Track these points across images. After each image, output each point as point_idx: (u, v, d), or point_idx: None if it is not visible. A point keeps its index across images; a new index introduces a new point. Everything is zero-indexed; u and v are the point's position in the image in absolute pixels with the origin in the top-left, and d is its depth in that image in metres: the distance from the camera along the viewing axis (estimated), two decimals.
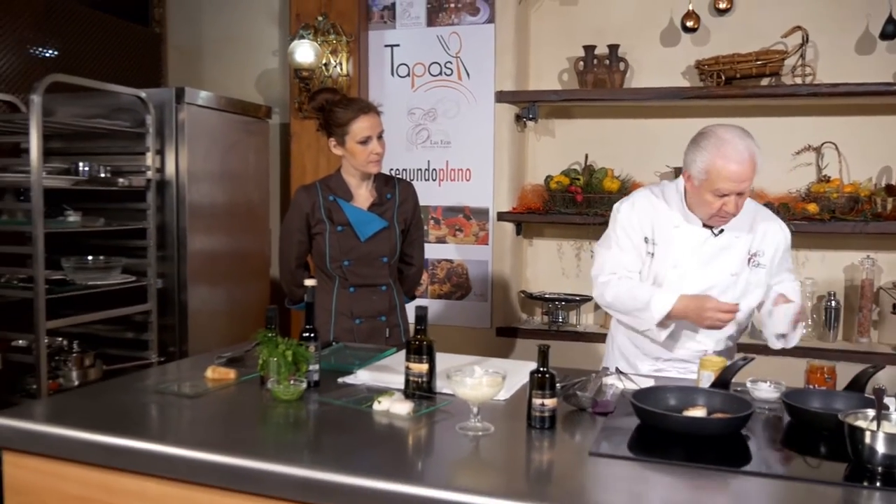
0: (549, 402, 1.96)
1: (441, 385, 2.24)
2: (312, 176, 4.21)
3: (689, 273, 2.50)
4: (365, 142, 2.80)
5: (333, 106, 2.83)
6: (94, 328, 3.66)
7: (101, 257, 3.50)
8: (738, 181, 2.33)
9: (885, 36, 3.64)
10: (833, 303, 3.80)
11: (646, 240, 2.56)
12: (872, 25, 3.73)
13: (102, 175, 3.44)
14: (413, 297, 3.21)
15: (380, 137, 2.83)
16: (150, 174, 3.60)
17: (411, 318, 3.12)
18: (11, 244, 3.59)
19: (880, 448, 1.64)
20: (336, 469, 1.67)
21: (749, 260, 2.53)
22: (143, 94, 3.56)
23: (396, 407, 2.06)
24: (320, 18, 4.12)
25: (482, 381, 1.94)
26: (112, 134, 3.63)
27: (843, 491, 1.62)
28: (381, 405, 2.08)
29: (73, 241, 3.61)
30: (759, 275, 2.53)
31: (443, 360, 2.30)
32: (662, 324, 2.51)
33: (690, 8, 3.89)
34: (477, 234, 4.17)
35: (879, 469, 1.64)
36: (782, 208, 3.68)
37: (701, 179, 2.39)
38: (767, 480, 1.67)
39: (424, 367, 2.22)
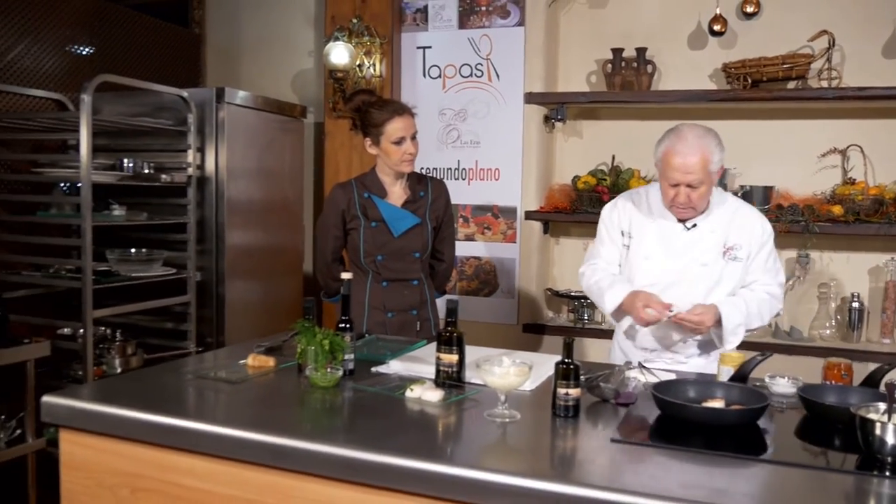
0: (574, 392, 2.06)
1: (470, 375, 2.35)
2: (346, 174, 4.34)
3: (659, 263, 2.67)
4: (399, 142, 2.91)
5: (369, 107, 2.95)
6: (135, 318, 3.81)
7: (144, 250, 3.65)
8: (684, 172, 2.50)
9: None
10: (857, 304, 3.84)
11: (622, 233, 2.78)
12: None
13: (146, 171, 3.59)
14: (443, 293, 3.32)
15: (413, 138, 2.94)
16: (190, 171, 3.74)
17: (441, 312, 3.25)
18: (59, 236, 3.76)
19: (890, 439, 1.72)
20: (374, 449, 1.77)
21: (725, 253, 2.65)
22: (185, 93, 3.71)
23: (428, 395, 2.17)
24: (355, 21, 4.24)
25: (510, 371, 2.04)
26: (155, 132, 3.78)
27: (854, 479, 1.71)
28: (414, 393, 2.19)
29: (117, 234, 3.77)
30: (734, 268, 2.65)
31: (471, 352, 2.41)
32: (617, 314, 2.72)
33: (718, 12, 3.95)
34: (505, 233, 4.27)
35: (889, 459, 1.72)
36: (807, 210, 3.74)
37: (658, 169, 2.62)
38: (782, 468, 1.76)
39: (454, 357, 2.32)
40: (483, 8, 4.22)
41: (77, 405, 2.10)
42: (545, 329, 4.19)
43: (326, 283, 3.17)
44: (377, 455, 1.76)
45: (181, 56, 4.80)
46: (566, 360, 2.06)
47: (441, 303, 2.96)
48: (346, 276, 2.50)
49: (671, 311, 2.56)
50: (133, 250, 3.63)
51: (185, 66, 4.82)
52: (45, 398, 2.13)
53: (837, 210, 3.73)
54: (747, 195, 3.86)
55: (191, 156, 3.74)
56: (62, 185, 3.75)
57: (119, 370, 3.56)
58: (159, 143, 3.85)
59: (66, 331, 3.72)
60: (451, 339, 2.33)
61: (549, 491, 1.61)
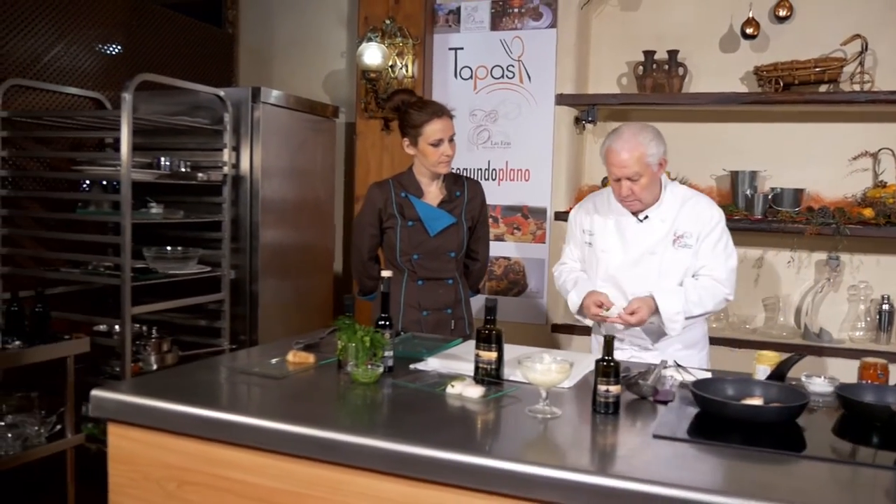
0: (614, 389, 2.08)
1: (508, 373, 2.38)
2: (376, 174, 4.39)
3: (615, 255, 2.85)
4: (437, 144, 2.95)
5: (409, 108, 2.98)
6: (169, 315, 3.87)
7: (180, 248, 3.71)
8: (619, 166, 2.68)
9: None
10: (886, 306, 3.84)
11: (583, 231, 2.97)
12: None
13: (183, 170, 3.64)
14: (477, 292, 3.35)
15: (451, 140, 2.98)
16: (226, 169, 3.80)
17: (477, 311, 3.28)
18: (96, 233, 3.82)
19: None
20: (421, 443, 1.81)
21: (675, 241, 2.78)
22: (221, 92, 3.77)
23: (468, 391, 2.20)
24: (388, 22, 4.28)
25: (551, 368, 2.07)
26: (191, 130, 3.83)
27: (893, 475, 1.72)
28: (455, 389, 2.22)
29: (153, 231, 3.83)
30: (685, 254, 2.78)
31: (505, 350, 2.44)
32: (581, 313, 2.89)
33: (751, 15, 3.96)
34: (534, 233, 4.30)
35: None
36: (837, 213, 3.74)
37: (606, 166, 2.78)
38: (824, 464, 1.78)
39: (493, 354, 2.35)
40: (515, 10, 4.25)
41: (126, 399, 2.14)
42: (574, 329, 4.21)
43: (362, 281, 3.21)
44: (425, 449, 1.79)
45: (214, 55, 4.87)
46: (607, 358, 2.09)
47: (479, 301, 2.99)
48: (386, 274, 2.54)
49: (610, 310, 2.72)
50: (169, 248, 3.69)
51: (218, 65, 4.89)
52: (95, 392, 2.17)
53: (868, 213, 3.73)
54: (778, 197, 3.87)
55: (226, 155, 3.79)
56: (101, 182, 3.82)
57: (155, 367, 3.62)
58: (195, 142, 3.90)
59: (103, 327, 3.79)
60: (490, 337, 2.36)
61: (597, 485, 1.63)
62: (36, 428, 3.24)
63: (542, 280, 4.30)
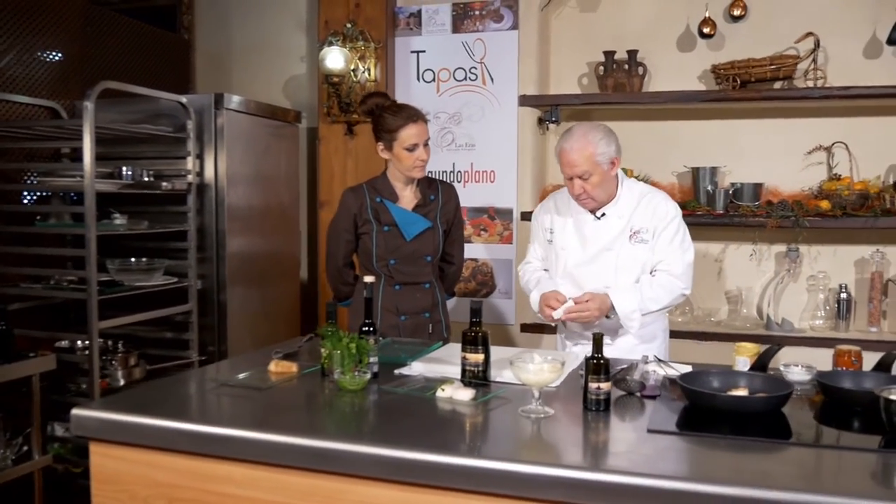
0: (605, 386, 2.11)
1: (494, 374, 2.39)
2: (340, 179, 4.36)
3: (573, 252, 2.90)
4: (412, 149, 2.94)
5: (384, 111, 2.97)
6: (133, 329, 3.77)
7: (144, 259, 3.62)
8: (569, 165, 2.74)
9: (892, 42, 3.82)
10: (845, 295, 3.96)
11: (545, 229, 3.01)
12: (879, 31, 3.90)
13: (146, 179, 3.56)
14: (453, 294, 3.35)
15: (426, 145, 2.98)
16: (190, 178, 3.73)
17: (453, 314, 3.29)
18: (54, 246, 3.71)
19: None
20: (419, 448, 1.80)
21: (631, 237, 2.83)
22: (183, 99, 3.70)
23: (459, 394, 2.20)
24: (349, 25, 4.25)
25: (543, 368, 2.08)
26: (151, 139, 3.75)
27: (880, 457, 1.79)
28: (445, 392, 2.21)
29: (114, 243, 3.73)
30: (641, 250, 2.83)
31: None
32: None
33: (707, 15, 4.05)
34: (501, 234, 4.32)
35: None
36: (796, 205, 3.84)
37: (559, 164, 2.83)
38: (811, 450, 1.84)
39: (481, 356, 2.36)
40: (476, 12, 4.27)
41: (108, 417, 2.08)
42: (544, 328, 4.24)
43: (337, 287, 3.18)
44: (425, 454, 1.79)
45: (170, 62, 4.78)
46: (596, 356, 2.11)
47: (455, 304, 3.00)
48: (368, 279, 2.52)
49: (557, 310, 2.76)
50: (133, 259, 3.61)
51: (175, 72, 4.80)
52: (75, 411, 2.10)
53: (825, 205, 3.84)
54: (738, 192, 3.96)
55: (190, 163, 3.72)
56: (60, 193, 3.71)
57: (122, 382, 3.52)
58: (156, 151, 3.81)
59: (64, 343, 3.68)
60: (476, 339, 2.37)
61: (606, 482, 1.65)
62: (1, 451, 3.14)
63: (511, 281, 4.33)
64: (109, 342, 3.62)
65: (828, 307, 4.03)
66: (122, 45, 4.45)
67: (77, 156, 3.80)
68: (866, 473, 1.73)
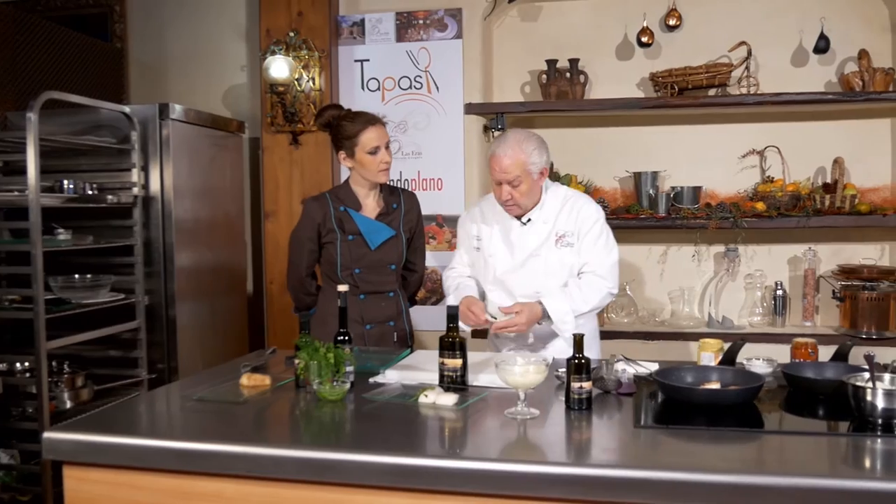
0: (587, 385, 2.16)
1: (471, 378, 2.41)
2: (286, 189, 4.31)
3: (501, 259, 2.93)
4: (374, 152, 2.93)
5: (341, 120, 2.96)
6: (78, 348, 3.62)
7: (89, 276, 3.49)
8: (501, 171, 2.76)
9: (818, 50, 4.04)
10: (780, 292, 4.15)
11: (471, 236, 3.03)
12: (805, 41, 4.12)
13: (90, 192, 3.44)
14: (414, 302, 3.35)
15: (387, 147, 2.98)
16: (136, 191, 3.61)
17: (422, 321, 3.28)
18: None
19: (880, 403, 1.93)
20: (417, 454, 1.81)
21: (557, 241, 2.88)
22: (127, 109, 3.59)
23: (442, 399, 2.21)
24: (292, 34, 4.21)
25: (529, 369, 2.12)
26: (92, 151, 3.62)
27: (852, 440, 1.92)
28: (428, 398, 2.22)
29: (56, 259, 3.58)
30: (568, 253, 2.88)
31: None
32: None
33: (645, 24, 4.19)
34: (450, 241, 4.34)
35: (880, 421, 1.94)
36: (734, 207, 4.01)
37: (489, 168, 2.85)
38: (788, 437, 1.95)
39: (459, 361, 2.38)
40: (420, 21, 4.29)
41: (85, 438, 2.01)
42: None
43: (299, 297, 3.14)
44: (426, 460, 1.80)
45: (103, 71, 4.62)
46: (577, 356, 2.16)
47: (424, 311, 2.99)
48: (342, 288, 2.51)
49: (492, 318, 2.78)
50: (77, 276, 3.47)
51: (107, 81, 4.63)
52: (47, 434, 2.02)
53: (760, 206, 4.02)
54: (678, 195, 4.11)
55: (135, 175, 3.61)
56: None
57: (69, 404, 3.39)
58: (96, 163, 3.68)
59: (2, 366, 3.51)
60: (453, 344, 2.39)
61: (607, 476, 1.70)
62: None
63: None
64: (54, 363, 3.46)
65: (765, 304, 4.22)
66: (53, 54, 4.28)
67: (12, 169, 3.65)
68: (839, 456, 1.84)
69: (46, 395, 3.14)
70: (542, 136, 2.87)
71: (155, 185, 3.72)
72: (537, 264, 2.87)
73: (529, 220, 2.88)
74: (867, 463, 1.82)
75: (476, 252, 3.01)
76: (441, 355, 2.39)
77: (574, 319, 2.81)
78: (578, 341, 2.18)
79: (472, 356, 2.56)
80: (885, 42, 4.09)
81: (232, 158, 4.31)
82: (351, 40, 4.37)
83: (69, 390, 3.41)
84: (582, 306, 2.83)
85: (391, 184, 3.16)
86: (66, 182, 3.40)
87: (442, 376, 2.39)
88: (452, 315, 2.43)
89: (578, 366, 2.15)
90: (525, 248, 2.88)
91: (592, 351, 2.98)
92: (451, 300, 2.94)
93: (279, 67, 4.09)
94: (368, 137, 2.92)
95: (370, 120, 2.95)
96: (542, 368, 2.13)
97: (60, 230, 3.35)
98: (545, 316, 2.79)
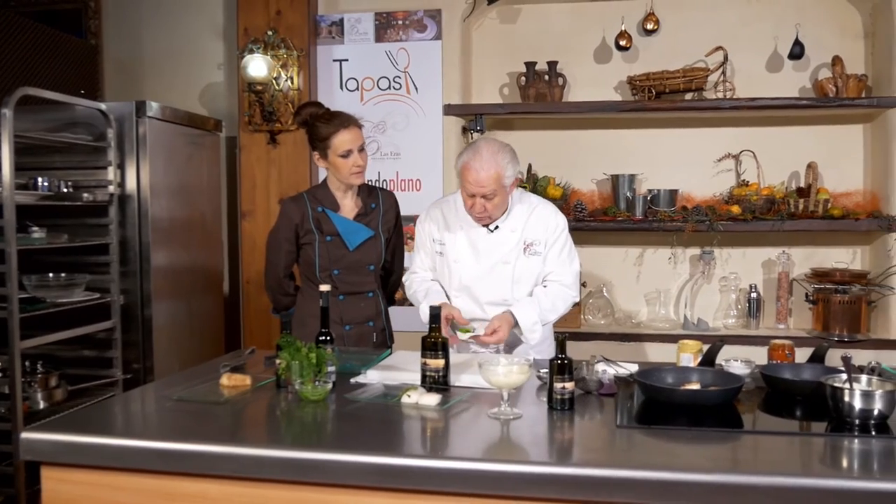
0: (569, 386, 2.17)
1: (453, 378, 2.42)
2: (263, 188, 4.28)
3: (467, 266, 2.90)
4: (346, 155, 2.90)
5: (316, 120, 2.93)
6: (51, 348, 3.57)
7: (63, 275, 3.44)
8: (476, 184, 2.71)
9: (792, 56, 4.11)
10: (754, 294, 4.21)
11: (433, 240, 2.99)
12: (780, 47, 4.19)
13: (65, 190, 3.39)
14: (393, 302, 3.35)
15: (361, 150, 2.94)
16: (111, 189, 3.57)
17: (398, 323, 3.28)
18: None
19: (857, 404, 1.97)
20: (407, 455, 1.82)
21: (525, 249, 2.88)
22: (103, 106, 3.54)
23: (425, 399, 2.21)
24: (270, 33, 4.19)
25: (513, 370, 2.12)
26: (67, 148, 3.57)
27: (829, 440, 1.95)
28: (411, 398, 2.22)
29: (29, 258, 3.52)
30: (535, 262, 2.89)
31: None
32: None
33: (623, 28, 4.23)
34: None
35: (857, 421, 1.97)
36: (710, 211, 4.06)
37: (459, 180, 2.80)
38: (767, 437, 1.96)
39: (441, 362, 2.38)
40: (400, 22, 4.29)
41: (64, 439, 1.98)
42: None
43: (276, 298, 3.12)
44: (414, 460, 1.80)
45: (77, 68, 4.54)
46: (560, 356, 2.17)
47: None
48: (324, 288, 2.50)
49: (471, 330, 2.79)
50: (51, 275, 3.42)
51: (81, 78, 4.56)
52: (25, 435, 1.99)
53: (736, 210, 4.07)
54: (655, 198, 4.15)
55: (111, 173, 3.56)
56: None
57: (42, 405, 3.34)
58: (71, 161, 3.63)
59: None
60: (436, 345, 2.39)
61: (590, 476, 1.72)
62: None
63: None
64: (27, 363, 3.41)
65: (739, 306, 4.27)
66: (26, 50, 4.21)
67: None
68: (817, 456, 1.87)
69: (20, 396, 3.09)
70: (511, 145, 2.83)
71: (131, 184, 3.68)
72: (506, 272, 2.87)
73: (497, 227, 2.87)
74: (845, 462, 1.85)
75: (438, 257, 2.97)
76: (423, 356, 2.39)
77: (541, 328, 2.83)
78: (562, 342, 2.19)
79: (454, 356, 2.57)
80: (858, 49, 4.17)
81: (209, 157, 4.28)
82: (329, 40, 4.35)
83: (43, 390, 3.36)
84: (550, 315, 2.86)
85: (369, 184, 3.14)
86: (40, 180, 3.36)
87: (424, 376, 2.39)
88: (435, 315, 2.43)
89: (561, 366, 2.16)
90: (493, 255, 2.87)
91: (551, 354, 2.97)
92: (425, 307, 2.84)
93: (257, 66, 4.06)
94: (341, 140, 2.89)
95: (343, 122, 2.91)
96: (526, 369, 2.14)
97: (35, 228, 3.30)
98: (514, 324, 2.80)
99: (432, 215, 3.01)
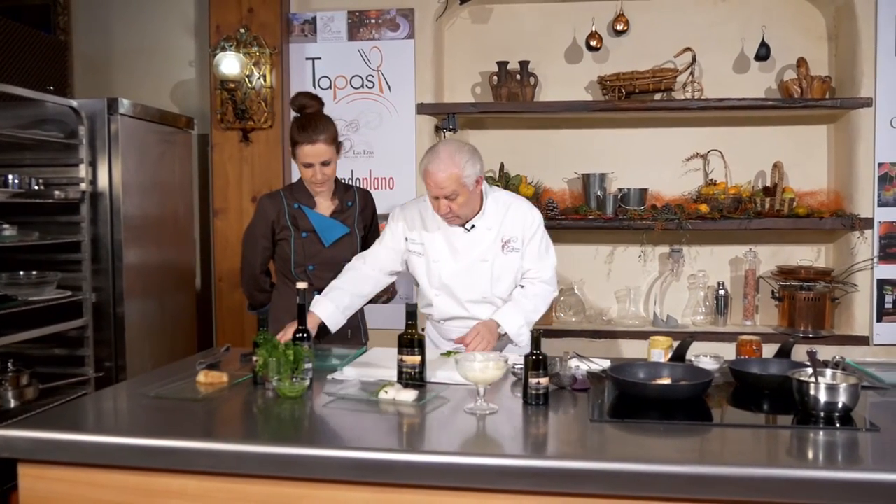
0: (544, 381, 2.22)
1: (429, 375, 2.45)
2: (236, 186, 4.27)
3: (446, 265, 2.92)
4: (307, 166, 2.92)
5: (296, 120, 2.94)
6: (21, 346, 3.54)
7: (34, 272, 3.41)
8: (436, 186, 2.73)
9: (759, 58, 4.20)
10: (722, 291, 4.30)
11: (406, 239, 2.97)
12: (747, 48, 4.27)
13: (36, 188, 3.36)
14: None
15: (325, 164, 2.92)
16: (83, 186, 3.55)
17: (374, 320, 3.30)
18: None
19: (822, 397, 2.04)
20: (384, 449, 1.84)
21: (503, 247, 2.90)
22: (75, 103, 3.52)
23: (401, 395, 2.24)
24: (242, 31, 4.18)
25: (489, 365, 2.16)
26: (36, 145, 3.55)
27: (796, 432, 2.01)
28: (388, 395, 2.25)
29: (1, 256, 3.50)
30: (513, 258, 2.91)
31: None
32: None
33: (593, 28, 4.28)
34: None
35: (822, 414, 2.04)
36: (679, 209, 4.13)
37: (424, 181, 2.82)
38: (736, 429, 2.03)
39: (417, 358, 2.41)
40: (373, 20, 4.30)
41: (42, 436, 1.98)
42: None
43: (252, 295, 3.13)
44: (392, 455, 1.83)
45: (46, 64, 4.48)
46: (535, 352, 2.21)
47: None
48: (301, 285, 2.52)
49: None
50: (22, 273, 3.39)
51: (49, 74, 4.50)
52: (1, 431, 1.99)
53: (704, 208, 4.15)
54: (625, 197, 4.21)
55: (83, 170, 3.54)
56: None
57: (13, 403, 3.31)
58: (40, 158, 3.61)
59: None
60: (412, 342, 2.42)
61: (565, 468, 1.76)
62: None
63: (411, 286, 4.37)
64: None
65: (707, 303, 4.36)
66: None
67: None
68: (784, 447, 1.93)
69: None
70: (473, 145, 2.85)
71: (103, 181, 3.65)
72: (484, 269, 2.90)
73: (473, 226, 2.89)
74: (810, 453, 1.91)
75: (416, 257, 2.96)
76: (400, 352, 2.42)
77: (528, 331, 2.85)
78: (536, 339, 2.23)
79: (431, 353, 2.60)
80: (822, 51, 4.27)
81: (181, 154, 4.26)
82: (302, 38, 4.35)
83: (14, 389, 3.32)
84: (533, 316, 2.90)
85: (345, 182, 3.16)
86: (11, 177, 3.32)
87: (401, 373, 2.41)
88: (411, 313, 2.46)
89: (536, 362, 2.20)
90: (471, 253, 2.90)
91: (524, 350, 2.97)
92: (319, 300, 2.85)
93: (230, 64, 4.05)
94: (303, 152, 2.90)
95: (310, 137, 2.89)
96: (501, 364, 2.18)
97: (5, 225, 3.28)
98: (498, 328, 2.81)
99: (409, 215, 2.99)
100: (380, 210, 4.29)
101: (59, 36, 4.63)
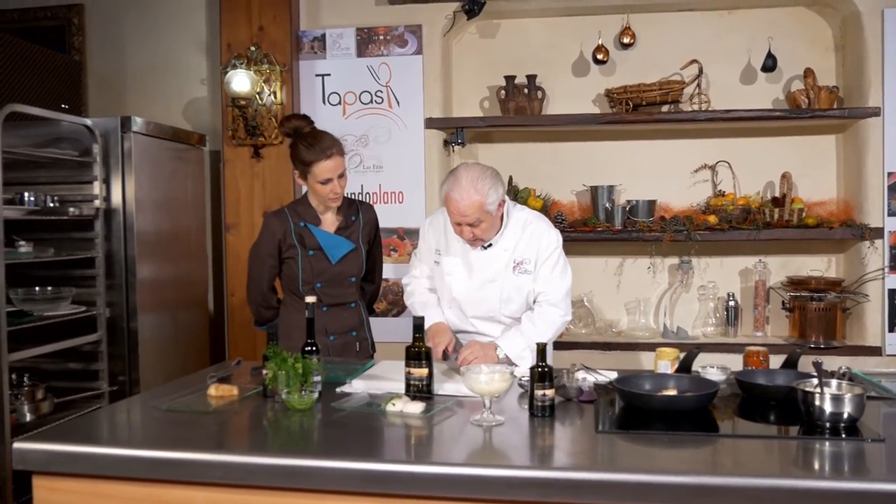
0: (550, 393, 2.23)
1: (437, 387, 2.47)
2: (247, 202, 4.32)
3: (458, 280, 2.93)
4: (325, 182, 2.93)
5: (299, 140, 2.94)
6: (37, 361, 3.59)
7: (50, 288, 3.47)
8: (459, 214, 2.72)
9: (765, 69, 4.21)
10: (732, 303, 4.29)
11: (436, 251, 3.01)
12: (754, 60, 4.29)
13: (51, 205, 3.43)
14: (373, 312, 3.40)
15: (341, 176, 2.96)
16: (97, 203, 3.61)
17: (379, 333, 3.33)
18: None
19: (827, 407, 2.04)
20: (386, 460, 1.86)
21: (515, 268, 2.87)
22: (89, 122, 3.58)
23: (409, 408, 2.26)
24: (253, 48, 4.24)
25: (494, 377, 2.18)
26: (52, 163, 3.61)
27: (801, 442, 2.02)
28: (396, 407, 2.27)
29: (15, 271, 3.55)
30: (525, 280, 2.88)
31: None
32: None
33: (600, 42, 4.32)
34: (411, 254, 4.39)
35: (827, 424, 2.04)
36: (687, 221, 4.14)
37: (444, 207, 2.83)
38: (742, 440, 2.04)
39: (425, 371, 2.44)
40: (381, 37, 4.35)
41: (57, 448, 2.02)
42: None
43: (259, 311, 3.16)
44: (401, 466, 1.86)
45: (61, 84, 4.57)
46: (541, 364, 2.23)
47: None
48: (310, 299, 2.54)
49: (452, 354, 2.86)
50: (38, 288, 3.45)
51: (66, 94, 4.59)
52: (17, 444, 2.03)
53: (713, 219, 4.16)
54: (634, 209, 4.23)
55: (97, 187, 3.60)
56: None
57: (29, 417, 3.36)
58: (56, 176, 3.67)
59: None
60: (420, 354, 2.44)
61: (571, 479, 1.78)
62: None
63: None
64: (14, 376, 3.43)
65: (717, 314, 4.35)
66: (9, 67, 4.23)
67: None
68: (790, 458, 1.94)
69: (8, 408, 3.11)
70: (494, 168, 2.80)
71: (116, 198, 3.71)
72: (493, 290, 2.89)
73: (490, 244, 2.87)
74: (816, 464, 1.91)
75: (436, 266, 3.00)
76: (407, 365, 2.44)
77: (531, 354, 2.80)
78: (542, 350, 2.25)
79: (438, 365, 2.62)
80: (829, 61, 4.28)
81: (193, 171, 4.32)
82: (312, 55, 4.41)
83: (29, 403, 3.38)
84: (537, 340, 2.82)
85: (349, 197, 3.18)
86: (27, 194, 3.39)
87: (408, 385, 2.44)
88: (419, 326, 2.48)
89: (542, 374, 2.22)
90: (483, 272, 2.89)
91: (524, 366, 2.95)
92: (418, 312, 2.91)
93: (240, 81, 4.11)
94: (321, 169, 2.91)
95: (325, 150, 2.91)
96: (507, 377, 2.20)
97: (22, 242, 3.34)
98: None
99: (436, 223, 3.01)
100: (390, 224, 4.37)
101: (74, 56, 4.71)
